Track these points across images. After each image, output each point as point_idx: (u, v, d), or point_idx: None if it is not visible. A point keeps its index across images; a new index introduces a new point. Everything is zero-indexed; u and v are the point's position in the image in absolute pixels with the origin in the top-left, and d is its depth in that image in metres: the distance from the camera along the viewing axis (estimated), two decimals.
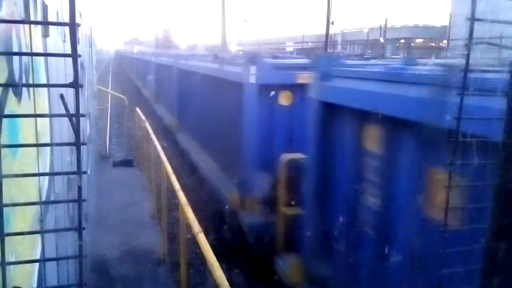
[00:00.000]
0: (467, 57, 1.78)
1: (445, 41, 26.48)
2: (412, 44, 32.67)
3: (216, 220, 7.86)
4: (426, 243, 2.92)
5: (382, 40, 30.87)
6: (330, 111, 4.40)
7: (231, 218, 6.85)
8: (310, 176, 4.72)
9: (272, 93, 6.38)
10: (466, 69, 1.80)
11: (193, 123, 10.88)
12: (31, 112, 1.98)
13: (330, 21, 20.41)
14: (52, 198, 2.44)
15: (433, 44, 32.16)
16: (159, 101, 17.45)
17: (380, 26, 31.58)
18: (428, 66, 4.41)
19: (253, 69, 6.27)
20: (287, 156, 5.68)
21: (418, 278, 3.10)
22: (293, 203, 5.52)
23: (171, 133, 12.93)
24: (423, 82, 3.14)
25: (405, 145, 3.38)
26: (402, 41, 33.67)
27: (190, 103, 11.01)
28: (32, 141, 1.96)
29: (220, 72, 7.98)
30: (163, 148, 7.18)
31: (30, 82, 2.02)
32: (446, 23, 25.13)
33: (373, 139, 3.76)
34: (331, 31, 22.24)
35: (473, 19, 1.75)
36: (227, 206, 6.98)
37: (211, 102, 8.95)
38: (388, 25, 31.73)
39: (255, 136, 6.45)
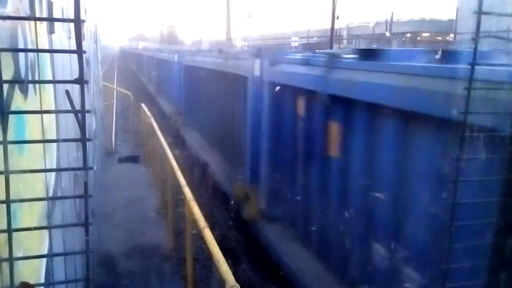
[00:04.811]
0: (474, 50, 1.76)
1: (452, 35, 26.24)
2: (419, 38, 32.37)
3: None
4: (327, 172, 4.49)
5: (388, 34, 30.63)
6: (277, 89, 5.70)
7: None
8: (264, 142, 6.01)
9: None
10: (474, 62, 1.78)
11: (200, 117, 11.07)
12: (37, 108, 1.98)
13: (336, 16, 20.24)
14: (59, 194, 2.45)
15: (440, 38, 31.86)
16: (161, 95, 17.58)
17: (386, 20, 31.32)
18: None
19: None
20: None
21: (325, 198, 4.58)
22: None
23: (175, 128, 13.14)
24: (318, 65, 4.62)
25: (314, 108, 4.73)
26: (408, 35, 33.38)
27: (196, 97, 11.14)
28: (39, 137, 1.96)
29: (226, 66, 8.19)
30: (168, 144, 7.20)
31: (36, 78, 2.02)
32: (453, 17, 24.86)
33: (300, 107, 5.11)
34: (336, 26, 22.09)
35: (480, 13, 1.73)
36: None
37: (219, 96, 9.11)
38: (394, 19, 31.45)
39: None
